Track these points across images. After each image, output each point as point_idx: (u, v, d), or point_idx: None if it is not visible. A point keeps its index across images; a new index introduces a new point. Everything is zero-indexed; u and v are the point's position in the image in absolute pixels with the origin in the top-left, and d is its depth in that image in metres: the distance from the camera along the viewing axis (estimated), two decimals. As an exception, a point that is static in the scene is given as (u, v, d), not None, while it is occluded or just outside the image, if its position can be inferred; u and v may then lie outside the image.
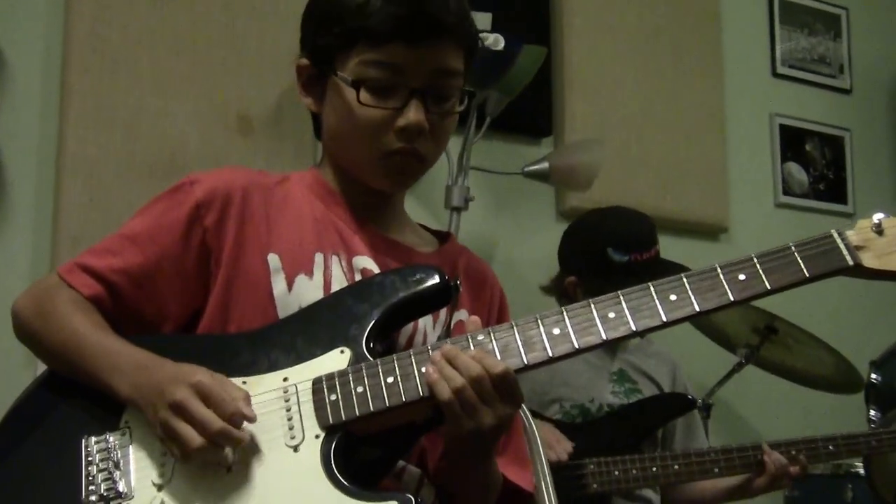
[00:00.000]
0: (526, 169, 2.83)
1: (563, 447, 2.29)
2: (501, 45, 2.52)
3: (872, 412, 2.82)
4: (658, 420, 2.52)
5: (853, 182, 3.80)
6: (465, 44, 1.38)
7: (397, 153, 1.36)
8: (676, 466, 2.36)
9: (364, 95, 1.34)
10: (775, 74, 3.76)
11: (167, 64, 2.62)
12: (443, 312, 1.40)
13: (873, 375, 2.86)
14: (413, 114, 1.33)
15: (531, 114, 3.11)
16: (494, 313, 1.50)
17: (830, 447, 2.40)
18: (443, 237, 1.53)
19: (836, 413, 3.25)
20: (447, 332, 1.39)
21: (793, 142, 3.72)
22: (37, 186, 2.50)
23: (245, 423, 1.20)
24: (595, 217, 2.65)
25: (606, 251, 2.49)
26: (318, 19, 1.40)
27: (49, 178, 2.49)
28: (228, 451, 1.20)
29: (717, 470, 2.37)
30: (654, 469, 2.35)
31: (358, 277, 1.37)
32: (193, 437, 1.17)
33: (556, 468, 2.21)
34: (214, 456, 1.19)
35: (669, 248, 2.66)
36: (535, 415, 2.35)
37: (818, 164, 3.76)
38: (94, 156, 2.50)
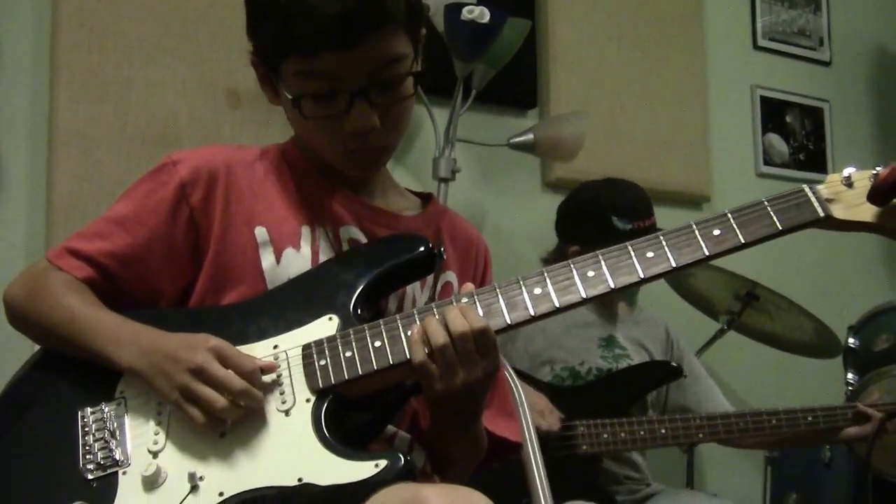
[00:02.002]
0: (511, 140, 2.84)
1: (555, 418, 2.32)
2: (486, 17, 2.52)
3: (850, 375, 2.85)
4: (646, 386, 2.56)
5: (832, 152, 3.84)
6: (403, 24, 1.31)
7: (358, 150, 1.35)
8: (663, 430, 2.39)
9: (306, 107, 1.32)
10: (756, 47, 3.79)
11: (156, 38, 2.62)
12: (430, 277, 1.42)
13: (851, 340, 2.89)
14: (358, 117, 1.30)
15: (516, 86, 3.13)
16: (480, 271, 1.52)
17: (809, 418, 2.45)
18: (425, 199, 1.54)
19: (815, 377, 3.31)
20: (433, 296, 1.42)
21: (773, 113, 3.75)
22: (29, 160, 2.50)
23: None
24: (595, 188, 2.67)
25: (611, 220, 2.54)
26: (251, 29, 1.36)
27: (41, 153, 2.50)
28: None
29: (700, 435, 2.42)
30: (642, 433, 2.38)
31: (346, 247, 1.39)
32: (216, 399, 1.20)
33: (546, 437, 2.26)
34: (236, 415, 1.22)
35: (653, 217, 2.70)
36: (528, 379, 2.41)
37: (798, 135, 3.80)
38: (85, 129, 2.50)
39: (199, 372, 1.22)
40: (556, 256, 2.68)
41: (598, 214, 2.57)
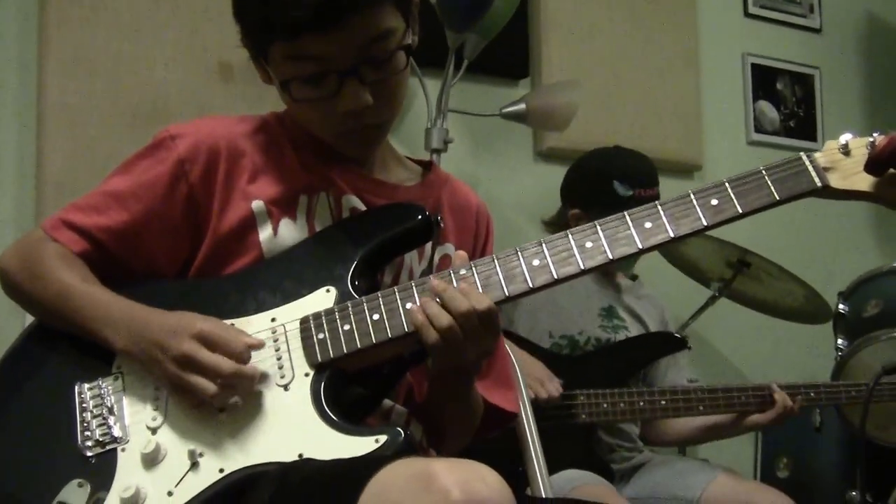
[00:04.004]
0: (504, 110, 2.83)
1: (555, 385, 2.32)
2: (478, -13, 2.53)
3: (840, 341, 2.87)
4: (648, 357, 2.57)
5: (823, 119, 3.83)
6: None
7: (352, 131, 1.34)
8: (663, 402, 2.39)
9: (296, 90, 1.30)
10: (747, 14, 3.77)
11: (146, 11, 2.60)
12: (427, 247, 1.41)
13: (841, 306, 2.90)
14: (349, 98, 1.28)
15: (508, 56, 3.12)
16: (481, 239, 1.52)
17: (811, 394, 2.45)
18: (426, 166, 1.53)
19: (806, 343, 3.33)
20: (430, 268, 1.41)
21: (764, 80, 3.74)
22: (19, 136, 2.49)
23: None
24: (603, 153, 2.69)
25: (613, 184, 2.54)
26: (237, 15, 1.33)
27: (31, 128, 2.49)
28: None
29: (701, 408, 2.41)
30: (642, 403, 2.38)
31: (346, 216, 1.38)
32: (208, 386, 1.20)
33: (545, 405, 2.27)
34: (228, 398, 1.21)
35: (644, 186, 2.71)
36: (527, 345, 2.41)
37: (789, 102, 3.79)
38: (75, 104, 2.49)
39: (185, 361, 1.21)
40: (558, 219, 2.69)
41: (600, 177, 2.58)
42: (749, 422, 2.46)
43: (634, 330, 2.61)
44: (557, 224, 2.68)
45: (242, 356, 1.22)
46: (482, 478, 1.01)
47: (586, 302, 2.59)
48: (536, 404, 2.19)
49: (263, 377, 1.24)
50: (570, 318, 2.55)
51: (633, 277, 2.78)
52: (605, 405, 2.37)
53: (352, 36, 1.25)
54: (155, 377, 1.25)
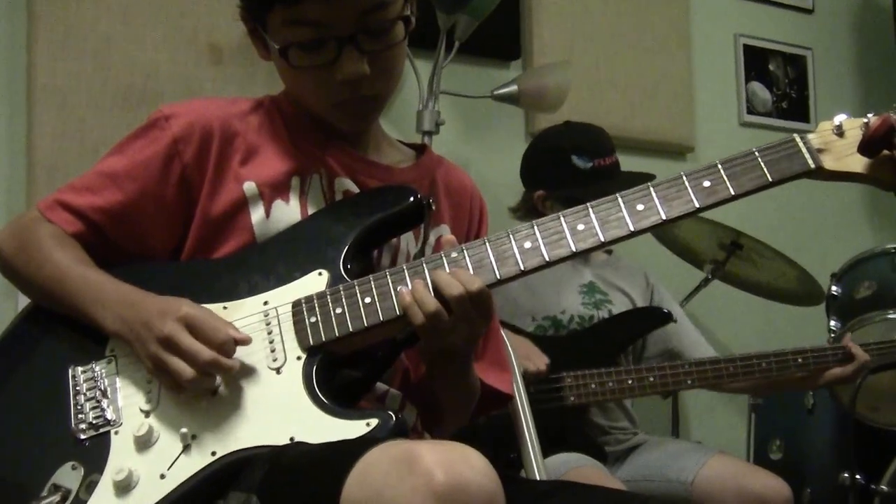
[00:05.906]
0: (495, 92, 2.82)
1: (542, 359, 2.32)
2: (469, -32, 2.51)
3: (832, 323, 2.87)
4: (635, 333, 2.56)
5: (815, 100, 3.83)
6: None
7: (348, 101, 1.34)
8: (651, 378, 2.40)
9: (294, 57, 1.31)
10: (739, -5, 3.79)
11: (135, -9, 2.59)
12: (423, 230, 1.41)
13: (833, 288, 2.90)
14: (347, 65, 1.29)
15: (500, 37, 3.11)
16: (475, 222, 1.52)
17: (799, 360, 2.45)
18: (419, 150, 1.53)
19: (798, 324, 3.34)
20: (423, 250, 1.41)
21: (756, 61, 3.74)
22: (8, 119, 2.48)
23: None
24: (554, 132, 2.69)
25: (571, 159, 2.55)
26: None
27: (21, 110, 2.47)
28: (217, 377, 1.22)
29: (689, 381, 2.41)
30: (630, 381, 2.39)
31: (339, 199, 1.38)
32: (185, 370, 1.19)
33: (534, 380, 2.27)
34: (206, 385, 1.21)
35: (637, 167, 2.69)
36: (511, 328, 2.41)
37: (781, 83, 3.79)
38: (65, 85, 2.48)
39: (166, 342, 1.21)
40: (524, 205, 2.69)
41: (557, 155, 2.58)
42: (829, 376, 2.44)
43: (618, 303, 2.60)
44: (523, 210, 2.68)
45: (224, 346, 1.21)
46: (466, 459, 1.01)
47: (566, 280, 2.59)
48: (525, 379, 2.19)
49: (256, 361, 1.24)
50: (549, 298, 2.54)
51: (609, 252, 2.77)
52: (593, 385, 2.37)
53: (351, 2, 1.26)
54: (139, 358, 1.25)
